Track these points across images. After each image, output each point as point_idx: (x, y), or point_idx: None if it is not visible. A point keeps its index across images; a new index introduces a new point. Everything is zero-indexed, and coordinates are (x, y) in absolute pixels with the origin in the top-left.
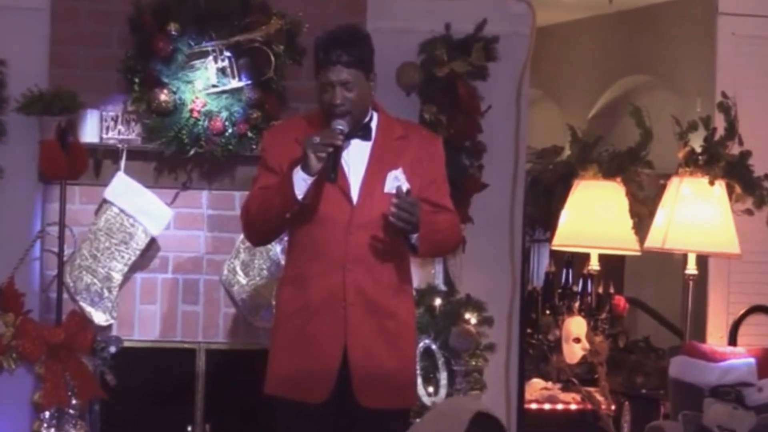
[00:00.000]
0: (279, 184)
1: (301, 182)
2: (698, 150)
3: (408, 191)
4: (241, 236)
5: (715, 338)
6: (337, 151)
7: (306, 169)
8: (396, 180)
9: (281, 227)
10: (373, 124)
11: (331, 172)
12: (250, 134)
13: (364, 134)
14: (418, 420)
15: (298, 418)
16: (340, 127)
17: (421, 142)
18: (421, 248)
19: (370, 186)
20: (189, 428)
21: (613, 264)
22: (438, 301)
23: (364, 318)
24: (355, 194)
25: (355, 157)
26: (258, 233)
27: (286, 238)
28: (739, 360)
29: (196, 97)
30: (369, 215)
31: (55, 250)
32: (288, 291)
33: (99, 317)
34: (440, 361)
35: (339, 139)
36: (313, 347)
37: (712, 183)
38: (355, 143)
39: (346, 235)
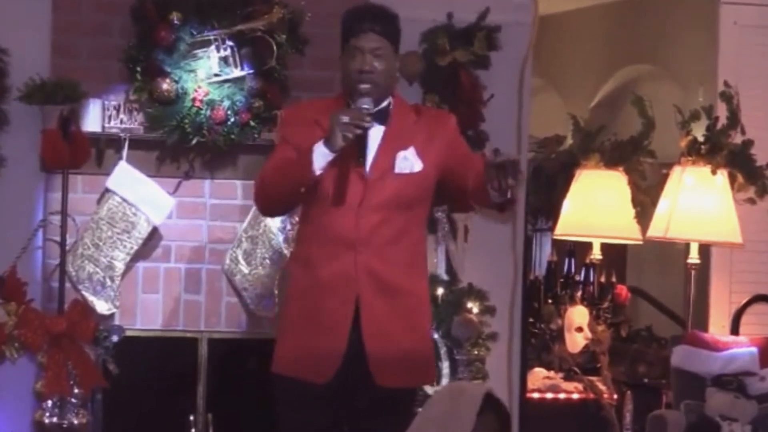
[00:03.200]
0: (298, 156)
1: (321, 158)
2: (700, 139)
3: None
4: (244, 225)
5: (718, 327)
6: (365, 133)
7: (329, 146)
8: (405, 160)
9: (293, 201)
10: (390, 109)
11: (359, 156)
12: (252, 123)
13: (381, 118)
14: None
15: (299, 399)
16: (367, 107)
17: (433, 122)
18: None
19: (382, 167)
20: (191, 417)
21: (615, 253)
22: (440, 291)
23: (376, 298)
24: (368, 173)
25: (370, 140)
26: (270, 203)
27: (289, 229)
28: (741, 349)
29: (199, 87)
30: (380, 196)
31: (58, 239)
32: (298, 271)
33: (101, 306)
34: (442, 351)
35: (367, 121)
36: (322, 328)
37: (714, 172)
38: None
39: (357, 216)
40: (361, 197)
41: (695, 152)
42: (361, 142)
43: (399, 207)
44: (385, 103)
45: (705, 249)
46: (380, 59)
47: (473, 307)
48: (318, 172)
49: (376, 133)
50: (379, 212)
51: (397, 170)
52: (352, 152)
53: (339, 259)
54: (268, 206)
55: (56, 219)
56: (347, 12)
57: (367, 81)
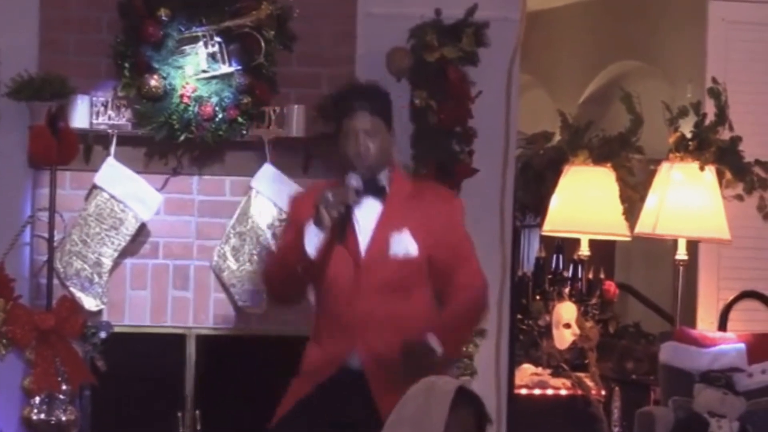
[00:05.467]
0: (293, 239)
1: (313, 237)
2: (689, 135)
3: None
4: (232, 221)
5: (706, 324)
6: (349, 211)
7: (318, 224)
8: (400, 242)
9: (295, 284)
10: (388, 183)
11: (340, 233)
12: (240, 120)
13: (378, 193)
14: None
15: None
16: (354, 183)
17: (434, 201)
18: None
19: (377, 248)
20: (179, 414)
21: (603, 249)
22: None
23: (380, 370)
24: (362, 255)
25: (366, 217)
26: (273, 287)
27: (277, 225)
28: (730, 345)
29: (187, 83)
30: (375, 277)
31: (45, 235)
32: (308, 347)
33: (89, 303)
34: None
35: (351, 198)
36: (329, 396)
37: (702, 168)
38: (367, 201)
39: (354, 298)
40: (356, 281)
41: (683, 148)
42: (346, 219)
43: (395, 291)
44: (383, 179)
45: (693, 245)
46: (374, 138)
47: None
48: (310, 250)
49: (373, 209)
50: (375, 296)
51: (391, 253)
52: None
53: (339, 340)
54: (271, 291)
55: (44, 215)
56: (338, 92)
57: (362, 163)
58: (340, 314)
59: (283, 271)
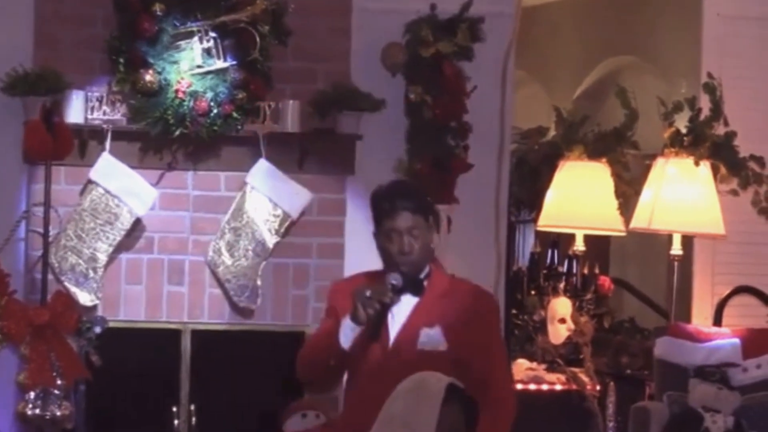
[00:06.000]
0: (330, 329)
1: (348, 331)
2: (683, 131)
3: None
4: (227, 217)
5: (700, 319)
6: (385, 309)
7: (354, 319)
8: (429, 337)
9: (327, 372)
10: (426, 278)
11: (374, 331)
12: (235, 115)
13: (416, 288)
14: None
15: None
16: (394, 282)
17: (471, 301)
18: None
19: (404, 341)
20: (174, 408)
21: (598, 244)
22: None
23: None
24: (390, 345)
25: (401, 309)
26: (305, 373)
27: (272, 221)
28: (724, 340)
29: (182, 78)
30: (402, 370)
31: (41, 230)
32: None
33: (84, 298)
34: None
35: (388, 296)
36: None
37: (697, 163)
38: (404, 296)
39: (378, 388)
40: (381, 369)
41: (678, 143)
42: (381, 317)
43: None
44: (422, 275)
45: (688, 240)
46: (417, 238)
47: None
48: (344, 344)
49: (406, 305)
50: (400, 380)
51: (419, 346)
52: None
53: (363, 415)
54: (303, 375)
55: (39, 210)
56: (377, 193)
57: (406, 262)
58: (365, 401)
59: (316, 361)
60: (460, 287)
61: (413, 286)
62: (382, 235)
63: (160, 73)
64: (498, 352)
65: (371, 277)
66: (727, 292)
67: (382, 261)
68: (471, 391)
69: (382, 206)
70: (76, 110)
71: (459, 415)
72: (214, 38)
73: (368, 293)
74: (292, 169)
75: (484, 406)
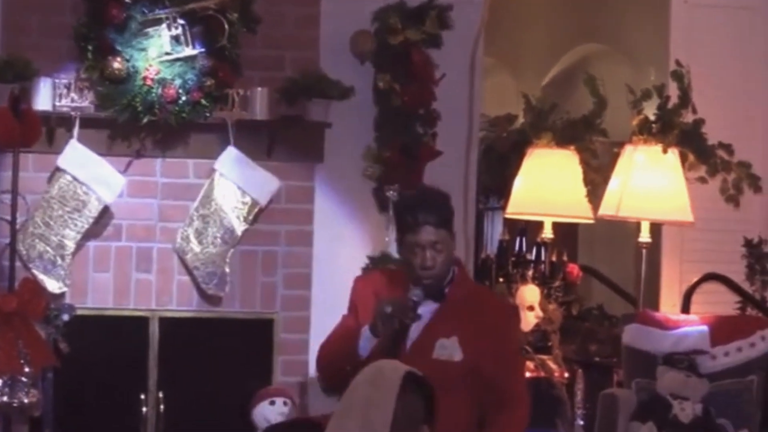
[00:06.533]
0: (349, 335)
1: (367, 342)
2: (652, 118)
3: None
4: (195, 204)
5: (669, 306)
6: (406, 329)
7: (374, 332)
8: (444, 348)
9: (344, 377)
10: (447, 285)
11: (393, 347)
12: (203, 102)
13: (437, 296)
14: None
15: None
16: (416, 299)
17: (491, 313)
18: None
19: (420, 349)
20: (142, 396)
21: (566, 232)
22: (375, 270)
23: None
24: (406, 351)
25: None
26: (323, 374)
27: (240, 208)
28: (692, 328)
29: (150, 65)
30: None
31: (8, 218)
32: None
33: (52, 285)
34: None
35: (409, 317)
36: None
37: (665, 151)
38: (425, 302)
39: None
40: None
41: (646, 131)
42: (402, 334)
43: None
44: (446, 280)
45: (656, 228)
46: (439, 252)
47: None
48: (363, 353)
49: (429, 309)
50: None
51: (434, 356)
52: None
53: None
54: (321, 375)
55: (7, 198)
56: (402, 204)
57: (429, 276)
58: None
59: (333, 363)
60: (481, 296)
61: (435, 294)
62: (405, 247)
63: (128, 61)
64: (513, 363)
65: (391, 277)
66: (696, 279)
67: (404, 268)
68: (485, 401)
69: (406, 219)
70: (43, 97)
71: (417, 404)
72: (183, 25)
73: (389, 309)
74: (261, 157)
75: (498, 416)
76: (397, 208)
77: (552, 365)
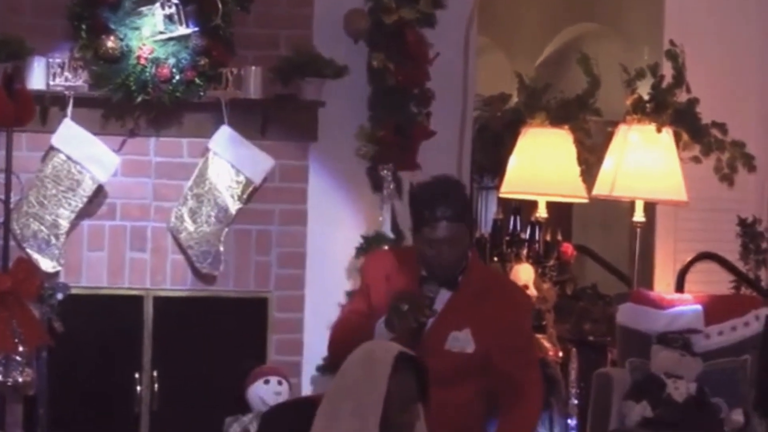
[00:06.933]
0: (363, 326)
1: (381, 336)
2: (646, 97)
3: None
4: (189, 183)
5: (663, 285)
6: (423, 325)
7: (389, 328)
8: (457, 340)
9: None
10: (461, 275)
11: (409, 344)
12: (197, 81)
13: (450, 285)
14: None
15: None
16: (431, 295)
17: (503, 301)
18: None
19: (433, 340)
20: (136, 375)
21: (560, 211)
22: (385, 249)
23: None
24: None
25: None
26: (335, 357)
27: (234, 188)
28: (687, 307)
29: (144, 44)
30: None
31: (2, 197)
32: None
33: (46, 264)
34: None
35: (425, 315)
36: None
37: (659, 130)
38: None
39: None
40: None
41: (641, 110)
42: (420, 330)
43: (443, 382)
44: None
45: (650, 207)
46: (455, 247)
47: None
48: None
49: (441, 298)
50: None
51: (447, 347)
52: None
53: None
54: (334, 360)
55: (0, 177)
56: (419, 196)
57: (443, 270)
58: None
59: (345, 348)
60: (495, 285)
61: (447, 283)
62: (421, 240)
63: (122, 40)
64: (527, 352)
65: (401, 257)
66: (690, 258)
67: (418, 257)
68: (499, 391)
69: (422, 213)
70: (37, 76)
71: (410, 384)
72: (176, 4)
73: (405, 308)
74: (255, 136)
75: (511, 406)
76: (413, 200)
77: (546, 344)
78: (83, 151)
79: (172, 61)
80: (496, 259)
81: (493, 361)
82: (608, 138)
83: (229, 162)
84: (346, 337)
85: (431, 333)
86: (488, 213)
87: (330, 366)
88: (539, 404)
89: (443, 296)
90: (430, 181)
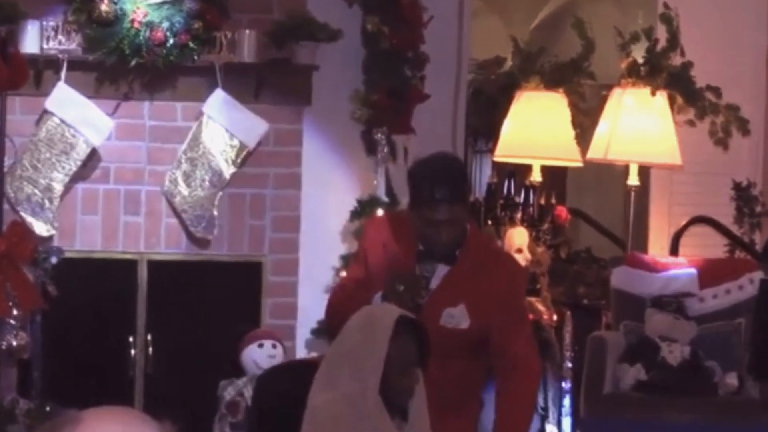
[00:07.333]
0: (361, 297)
1: None
2: (640, 61)
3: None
4: (183, 147)
5: (657, 249)
6: (419, 306)
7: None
8: (451, 317)
9: None
10: (459, 249)
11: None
12: (191, 45)
13: (448, 260)
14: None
15: None
16: (427, 275)
17: (499, 276)
18: None
19: (428, 316)
20: (130, 338)
21: (555, 175)
22: (380, 213)
23: None
24: None
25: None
26: (332, 326)
27: (228, 152)
28: (681, 270)
29: (138, 8)
30: None
31: None
32: None
33: (40, 228)
34: None
35: (421, 296)
36: None
37: (653, 94)
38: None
39: None
40: None
41: (635, 74)
42: (415, 312)
43: (437, 357)
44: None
45: (645, 171)
46: (453, 226)
47: None
48: None
49: (438, 273)
50: None
51: (441, 323)
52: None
53: None
54: (331, 327)
55: None
56: (418, 175)
57: (441, 248)
58: None
59: (342, 319)
60: (492, 258)
61: (446, 259)
62: (419, 218)
63: (115, 3)
64: (522, 326)
65: (398, 225)
66: (684, 222)
67: (416, 231)
68: (495, 365)
69: (421, 193)
70: (31, 40)
71: (410, 348)
72: None
73: (401, 288)
74: (249, 100)
75: (510, 381)
76: (411, 177)
77: (540, 308)
78: (77, 114)
79: (166, 24)
80: (490, 222)
81: (488, 335)
82: (603, 101)
83: (223, 126)
84: (343, 308)
85: (426, 309)
86: (482, 177)
87: (326, 332)
88: (537, 378)
89: (441, 271)
90: (429, 159)
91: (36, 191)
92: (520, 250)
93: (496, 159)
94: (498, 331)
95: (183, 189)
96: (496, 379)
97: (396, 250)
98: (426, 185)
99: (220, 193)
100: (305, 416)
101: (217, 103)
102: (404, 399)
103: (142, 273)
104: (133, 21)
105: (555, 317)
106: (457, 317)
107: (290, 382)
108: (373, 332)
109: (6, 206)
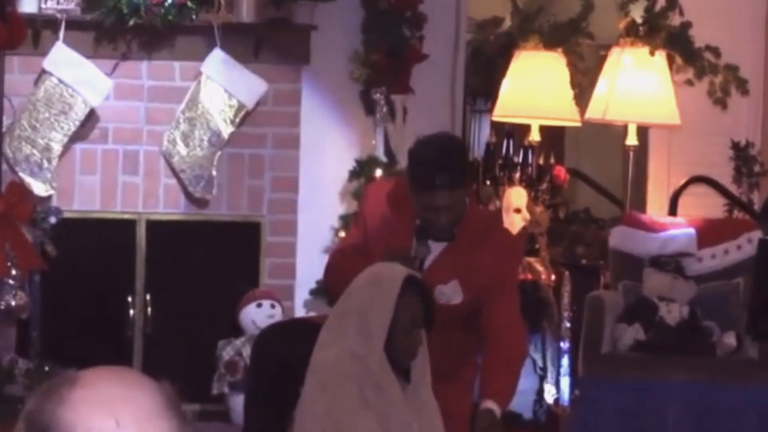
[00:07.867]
0: (358, 266)
1: None
2: (639, 21)
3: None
4: (182, 107)
5: (655, 209)
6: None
7: None
8: (443, 294)
9: None
10: (457, 226)
11: None
12: (189, 4)
13: (447, 237)
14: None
15: None
16: (422, 257)
17: (495, 252)
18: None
19: None
20: (129, 299)
21: (553, 135)
22: (379, 173)
23: None
24: None
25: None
26: (330, 290)
27: (227, 111)
28: (679, 230)
29: None
30: None
31: None
32: None
33: (39, 188)
34: None
35: (419, 274)
36: None
37: (652, 53)
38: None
39: None
40: None
41: (634, 33)
42: None
43: (434, 329)
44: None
45: (643, 130)
46: (453, 210)
47: None
48: None
49: (435, 249)
50: None
51: (434, 299)
52: None
53: None
54: (331, 292)
55: None
56: (419, 158)
57: (440, 233)
58: None
59: (338, 287)
60: (489, 232)
61: (444, 237)
62: (418, 201)
63: None
64: (509, 295)
65: (399, 195)
66: (683, 182)
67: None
68: (483, 332)
69: (421, 178)
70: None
71: (417, 306)
72: None
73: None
74: (248, 59)
75: (493, 350)
76: (412, 160)
77: (539, 268)
78: (75, 74)
79: None
80: (488, 182)
81: (479, 304)
82: (601, 61)
83: (221, 86)
84: (341, 274)
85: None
86: (481, 137)
87: (324, 293)
88: (520, 349)
89: (438, 247)
90: (431, 142)
91: (34, 151)
92: (518, 210)
93: (494, 119)
94: (486, 301)
95: (181, 149)
96: (483, 348)
97: (394, 225)
98: (426, 170)
99: (219, 153)
100: (309, 370)
101: (216, 62)
102: (408, 359)
103: (141, 233)
104: None
105: (553, 277)
106: (449, 294)
107: (288, 341)
108: (381, 289)
109: (4, 166)
